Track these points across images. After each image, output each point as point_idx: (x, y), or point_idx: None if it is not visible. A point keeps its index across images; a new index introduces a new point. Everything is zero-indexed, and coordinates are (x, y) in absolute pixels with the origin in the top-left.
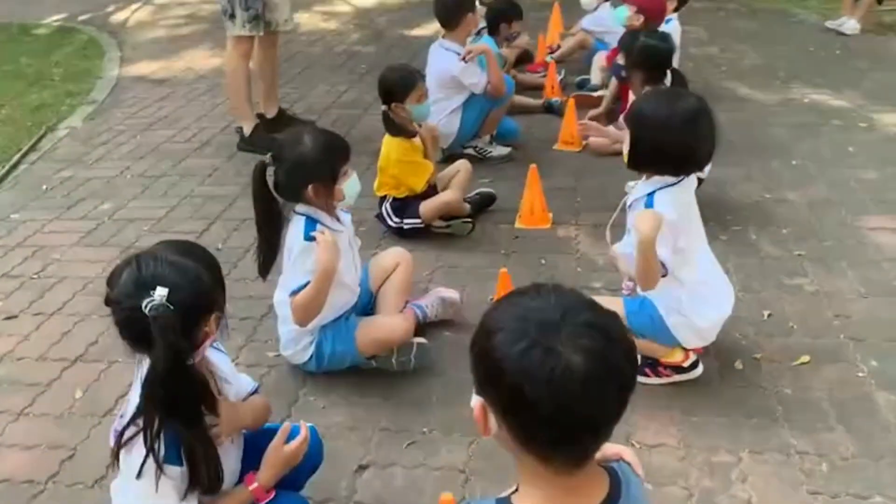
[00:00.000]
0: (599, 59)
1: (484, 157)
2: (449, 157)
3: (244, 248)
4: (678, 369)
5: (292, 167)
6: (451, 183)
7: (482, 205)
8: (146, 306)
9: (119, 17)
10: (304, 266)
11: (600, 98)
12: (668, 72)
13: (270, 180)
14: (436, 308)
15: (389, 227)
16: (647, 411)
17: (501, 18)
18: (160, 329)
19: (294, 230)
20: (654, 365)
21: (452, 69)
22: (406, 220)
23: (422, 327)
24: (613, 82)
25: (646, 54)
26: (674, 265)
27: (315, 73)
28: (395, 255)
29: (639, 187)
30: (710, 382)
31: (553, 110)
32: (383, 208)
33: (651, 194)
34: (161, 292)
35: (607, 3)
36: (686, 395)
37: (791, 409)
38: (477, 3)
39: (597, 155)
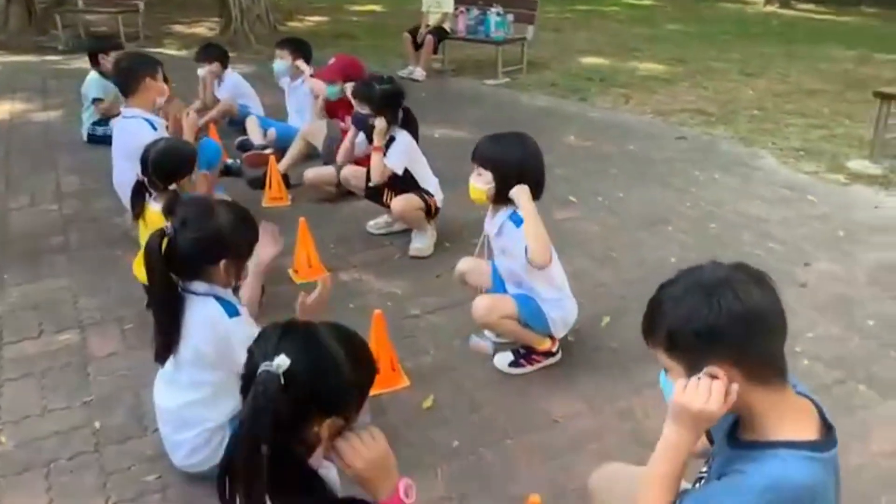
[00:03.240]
0: (252, 121)
1: None
2: None
3: None
4: (548, 354)
5: (206, 241)
6: None
7: None
8: (260, 369)
9: None
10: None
11: (270, 155)
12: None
13: None
14: None
15: None
16: (545, 393)
17: None
18: (254, 399)
19: (205, 314)
20: (527, 356)
21: (144, 137)
22: None
23: None
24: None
25: (389, 97)
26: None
27: None
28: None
29: (492, 218)
30: (566, 360)
31: (232, 172)
32: None
33: (514, 213)
34: (281, 362)
35: (232, 71)
36: (556, 372)
37: (629, 355)
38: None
39: (312, 201)
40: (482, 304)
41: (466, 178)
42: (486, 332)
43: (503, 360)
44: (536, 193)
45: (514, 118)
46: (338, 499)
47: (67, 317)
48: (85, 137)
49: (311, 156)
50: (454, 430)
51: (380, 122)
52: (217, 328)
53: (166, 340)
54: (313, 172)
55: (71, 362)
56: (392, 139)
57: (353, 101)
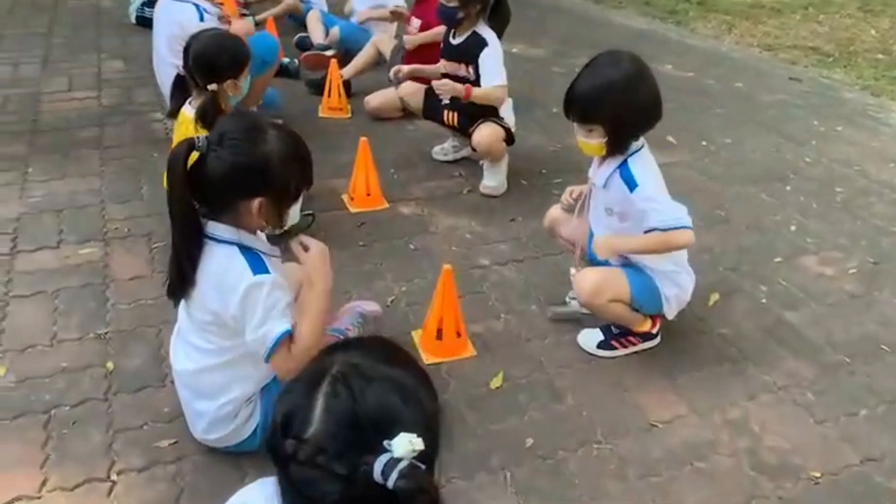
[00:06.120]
0: (314, 17)
1: None
2: None
3: None
4: (646, 337)
5: (245, 168)
6: None
7: None
8: (382, 470)
9: None
10: (275, 310)
11: (335, 57)
12: None
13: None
14: (357, 328)
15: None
16: (639, 386)
17: None
18: None
19: (223, 267)
20: (621, 336)
21: (188, 25)
22: None
23: None
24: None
25: None
26: None
27: None
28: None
29: (599, 165)
30: (665, 345)
31: (289, 73)
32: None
33: (624, 166)
34: (410, 444)
35: None
36: (653, 360)
37: (741, 347)
38: None
39: (373, 119)
40: (591, 281)
41: (542, 104)
42: (571, 300)
43: (591, 338)
44: (653, 121)
45: (601, 39)
46: None
47: (92, 226)
48: (133, 19)
49: (378, 64)
50: (529, 422)
51: (445, 86)
52: (236, 287)
53: (181, 277)
54: (377, 99)
55: (90, 283)
56: (479, 41)
57: None
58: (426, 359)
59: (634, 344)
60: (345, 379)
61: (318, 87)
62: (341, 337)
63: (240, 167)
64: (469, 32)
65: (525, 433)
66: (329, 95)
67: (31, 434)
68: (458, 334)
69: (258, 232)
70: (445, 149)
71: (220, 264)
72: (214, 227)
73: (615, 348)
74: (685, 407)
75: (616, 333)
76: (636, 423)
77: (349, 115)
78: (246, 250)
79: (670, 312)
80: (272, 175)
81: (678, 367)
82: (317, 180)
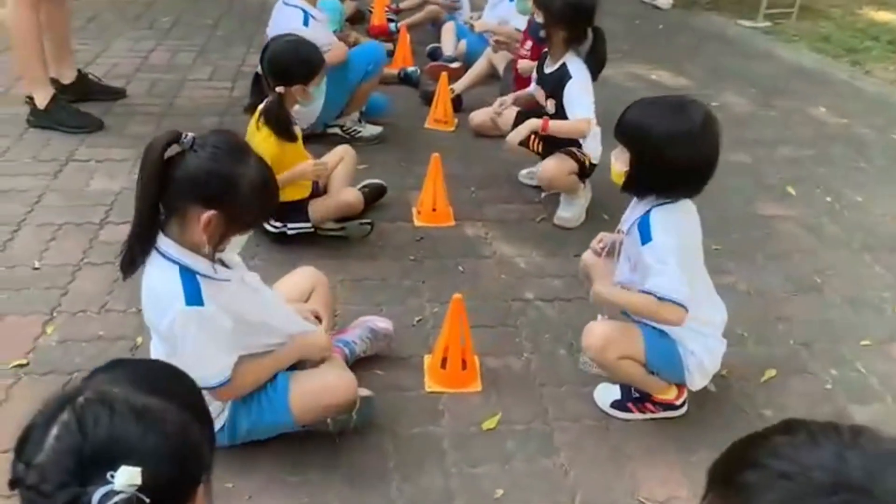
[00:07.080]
0: (449, 29)
1: (353, 137)
2: (308, 138)
3: (73, 265)
4: (669, 407)
5: (213, 176)
6: (336, 174)
7: (371, 199)
8: (99, 500)
9: None
10: (209, 352)
11: (459, 70)
12: (590, 29)
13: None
14: (365, 343)
15: (267, 232)
16: (644, 456)
17: None
18: None
19: (159, 287)
20: (639, 400)
21: (286, 27)
22: (290, 225)
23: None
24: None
25: (571, 7)
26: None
27: (107, 26)
28: (307, 279)
29: (633, 208)
30: (690, 409)
31: (411, 81)
32: None
33: (646, 215)
34: (129, 477)
35: None
36: (673, 430)
37: None
38: None
39: (475, 135)
40: (600, 334)
41: None
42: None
43: (607, 395)
44: (689, 190)
45: (755, 72)
46: None
47: None
48: None
49: (494, 76)
50: (507, 472)
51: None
52: (167, 309)
53: (131, 259)
54: (480, 116)
55: None
56: (565, 74)
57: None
58: (428, 386)
59: (653, 412)
60: (86, 407)
61: (429, 99)
62: (347, 350)
63: (210, 173)
64: (560, 63)
65: (499, 483)
66: (436, 107)
67: (49, 391)
68: (464, 366)
69: (227, 253)
70: (532, 172)
71: (159, 279)
72: (161, 241)
73: (630, 411)
74: (686, 489)
75: (635, 397)
76: (622, 497)
77: (453, 128)
78: (187, 273)
79: (693, 384)
80: (235, 194)
81: (698, 444)
82: (394, 190)
